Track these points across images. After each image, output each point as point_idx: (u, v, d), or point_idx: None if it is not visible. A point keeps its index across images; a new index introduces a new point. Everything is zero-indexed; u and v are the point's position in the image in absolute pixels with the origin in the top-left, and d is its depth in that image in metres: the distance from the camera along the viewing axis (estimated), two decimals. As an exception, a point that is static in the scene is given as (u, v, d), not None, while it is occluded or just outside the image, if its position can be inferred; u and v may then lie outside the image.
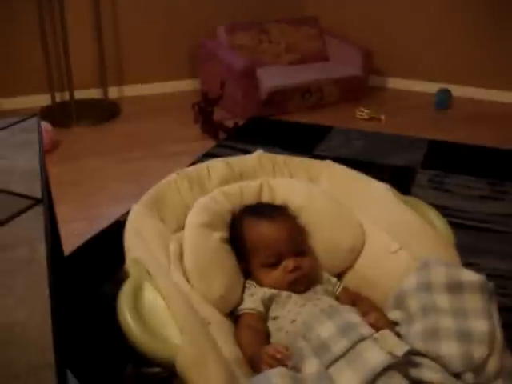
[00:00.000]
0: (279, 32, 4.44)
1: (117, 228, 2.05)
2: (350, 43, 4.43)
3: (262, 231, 1.41)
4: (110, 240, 2.26)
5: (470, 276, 1.20)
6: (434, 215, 1.52)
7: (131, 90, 4.43)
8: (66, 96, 4.07)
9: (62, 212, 2.04)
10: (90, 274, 2.07)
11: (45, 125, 3.12)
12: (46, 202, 1.28)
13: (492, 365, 1.09)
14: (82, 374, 1.53)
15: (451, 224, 1.50)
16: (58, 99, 4.17)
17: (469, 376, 1.08)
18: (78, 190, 2.84)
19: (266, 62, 4.30)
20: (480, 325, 1.14)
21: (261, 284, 1.38)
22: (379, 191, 1.59)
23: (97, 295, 1.95)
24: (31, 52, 3.99)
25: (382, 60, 4.54)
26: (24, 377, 0.80)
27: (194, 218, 1.42)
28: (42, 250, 1.09)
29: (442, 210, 1.56)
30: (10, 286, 0.99)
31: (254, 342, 1.21)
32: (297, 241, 1.43)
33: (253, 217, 1.45)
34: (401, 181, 2.88)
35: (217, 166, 1.63)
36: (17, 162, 1.48)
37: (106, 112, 4.01)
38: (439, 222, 1.49)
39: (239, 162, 1.67)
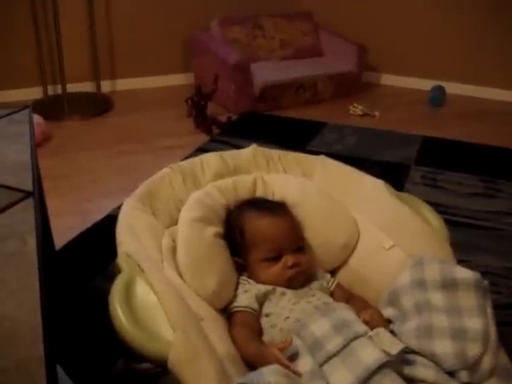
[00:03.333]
0: (273, 27, 4.42)
1: (109, 222, 2.04)
2: (344, 39, 4.41)
3: (265, 225, 1.40)
4: (102, 234, 2.24)
5: (465, 273, 1.20)
6: (428, 212, 1.51)
7: (124, 84, 4.39)
8: (59, 89, 4.04)
9: (53, 206, 2.02)
10: (82, 269, 2.06)
11: (37, 118, 3.09)
12: (37, 194, 1.27)
13: (486, 363, 1.09)
14: (72, 369, 1.52)
15: (444, 221, 1.50)
16: (50, 92, 4.12)
17: (463, 374, 1.07)
18: (69, 184, 2.81)
19: (260, 56, 4.28)
20: (474, 323, 1.13)
21: (257, 279, 1.37)
22: (373, 187, 1.58)
23: (88, 290, 1.93)
24: (24, 45, 3.94)
25: (376, 56, 4.52)
26: (13, 370, 0.79)
27: (187, 213, 1.41)
28: (32, 242, 1.07)
29: (435, 207, 1.55)
30: (0, 278, 0.98)
31: (250, 340, 1.20)
32: (296, 237, 1.43)
33: (254, 210, 1.44)
34: (394, 177, 2.87)
35: (211, 160, 1.61)
36: (7, 154, 1.46)
37: (98, 106, 3.98)
38: (434, 219, 1.48)
39: (233, 156, 1.66)
